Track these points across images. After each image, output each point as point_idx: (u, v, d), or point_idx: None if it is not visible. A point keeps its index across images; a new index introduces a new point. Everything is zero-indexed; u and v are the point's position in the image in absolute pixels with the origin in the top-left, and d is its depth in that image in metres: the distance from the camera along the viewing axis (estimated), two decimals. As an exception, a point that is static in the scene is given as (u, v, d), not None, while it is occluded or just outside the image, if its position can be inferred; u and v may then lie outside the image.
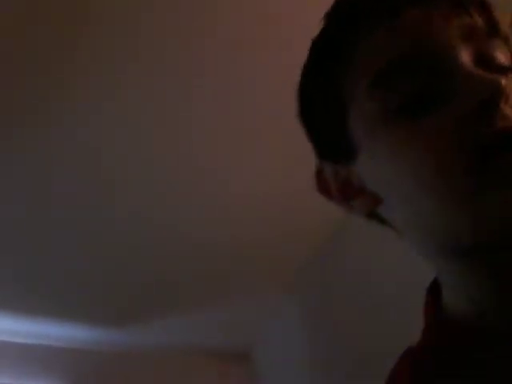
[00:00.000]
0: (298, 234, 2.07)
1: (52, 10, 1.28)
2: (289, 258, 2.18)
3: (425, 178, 0.35)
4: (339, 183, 0.44)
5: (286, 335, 2.51)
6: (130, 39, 1.40)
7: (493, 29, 0.37)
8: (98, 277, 2.15)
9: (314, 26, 0.43)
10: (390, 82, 0.36)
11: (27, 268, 2.03)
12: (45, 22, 1.31)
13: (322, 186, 0.45)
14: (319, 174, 0.45)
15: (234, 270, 2.25)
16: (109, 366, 2.52)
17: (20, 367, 2.28)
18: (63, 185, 1.76)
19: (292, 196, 1.78)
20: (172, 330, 2.59)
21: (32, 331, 2.34)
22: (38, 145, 1.61)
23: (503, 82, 0.33)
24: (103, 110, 1.56)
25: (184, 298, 2.40)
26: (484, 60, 0.36)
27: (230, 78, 1.52)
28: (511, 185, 0.32)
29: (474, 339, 0.37)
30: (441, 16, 0.37)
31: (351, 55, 0.39)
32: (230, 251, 2.14)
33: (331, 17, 0.42)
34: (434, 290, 0.44)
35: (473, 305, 0.38)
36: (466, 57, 0.35)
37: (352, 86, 0.39)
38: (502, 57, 0.37)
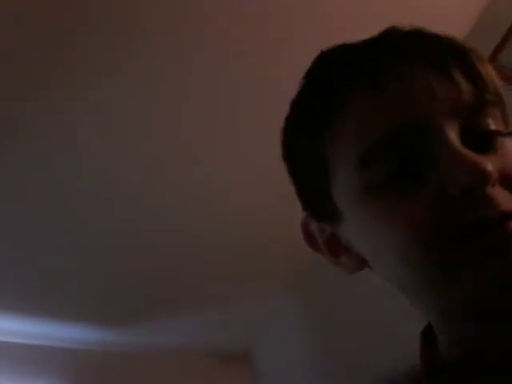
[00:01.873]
0: (300, 234, 2.06)
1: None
2: (290, 258, 2.18)
3: (402, 253, 0.35)
4: (325, 239, 0.43)
5: (286, 335, 2.51)
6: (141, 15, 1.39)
7: (480, 96, 0.36)
8: (98, 277, 2.15)
9: None
10: (373, 162, 0.35)
11: (27, 268, 2.03)
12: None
13: (309, 239, 0.45)
14: (305, 226, 0.45)
15: (235, 270, 2.25)
16: (109, 367, 2.52)
17: (19, 368, 2.27)
18: (61, 182, 1.76)
19: (294, 194, 1.75)
20: (172, 330, 2.59)
21: (32, 331, 2.33)
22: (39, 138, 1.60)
23: (489, 167, 0.31)
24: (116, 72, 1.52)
25: (184, 298, 2.40)
26: (471, 133, 0.35)
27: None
28: (485, 267, 0.32)
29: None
30: (425, 89, 0.35)
31: (332, 120, 0.38)
32: (231, 251, 2.14)
33: (313, 77, 0.41)
34: (428, 332, 0.43)
35: (464, 352, 0.37)
36: (452, 135, 0.34)
37: (333, 153, 0.39)
38: (490, 123, 0.36)
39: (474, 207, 0.32)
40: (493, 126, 0.36)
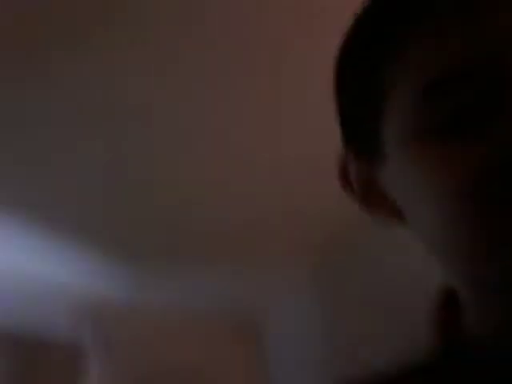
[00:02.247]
0: (316, 210, 2.07)
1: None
2: (305, 233, 2.19)
3: (442, 211, 0.32)
4: (361, 182, 0.40)
5: (297, 309, 2.55)
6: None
7: None
8: (123, 222, 2.21)
9: None
10: (438, 97, 0.31)
11: (46, 198, 2.06)
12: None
13: (343, 178, 0.41)
14: (342, 163, 0.41)
15: (251, 241, 2.28)
16: (116, 314, 2.58)
17: (26, 295, 2.32)
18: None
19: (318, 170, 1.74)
20: (186, 290, 2.64)
21: (42, 263, 2.39)
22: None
23: None
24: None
25: (201, 260, 2.45)
26: None
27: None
28: None
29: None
30: None
31: (400, 49, 0.33)
32: (249, 223, 2.17)
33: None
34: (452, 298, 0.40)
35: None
36: None
37: (392, 85, 0.35)
38: None
39: None
40: None
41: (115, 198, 2.07)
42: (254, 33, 1.48)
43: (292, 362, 2.60)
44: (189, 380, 2.57)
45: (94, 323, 2.45)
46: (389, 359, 0.42)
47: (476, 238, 0.30)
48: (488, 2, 0.31)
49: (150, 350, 2.55)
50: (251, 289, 2.68)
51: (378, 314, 1.87)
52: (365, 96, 0.37)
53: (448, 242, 0.33)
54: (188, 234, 2.26)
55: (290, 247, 2.37)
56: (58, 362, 2.18)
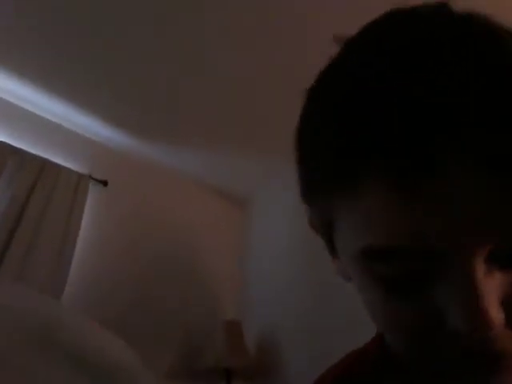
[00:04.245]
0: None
1: None
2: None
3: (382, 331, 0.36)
4: (324, 237, 0.40)
5: (285, 193, 2.67)
6: None
7: None
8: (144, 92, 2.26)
9: None
10: (376, 260, 0.31)
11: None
12: None
13: (313, 227, 0.42)
14: (310, 218, 0.42)
15: (256, 123, 2.41)
16: (127, 168, 2.72)
17: (45, 141, 2.43)
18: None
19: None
20: (190, 159, 2.78)
21: (62, 113, 2.47)
22: None
23: (496, 319, 0.28)
24: None
25: (208, 134, 2.55)
26: (501, 251, 0.28)
27: None
28: None
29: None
30: (467, 209, 0.27)
31: (351, 189, 0.31)
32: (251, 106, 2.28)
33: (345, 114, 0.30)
34: None
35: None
36: (478, 269, 0.28)
37: (341, 215, 0.33)
38: None
39: (465, 345, 0.29)
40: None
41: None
42: None
43: (274, 233, 2.80)
44: (181, 233, 2.78)
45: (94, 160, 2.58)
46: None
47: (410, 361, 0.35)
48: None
49: (147, 200, 2.72)
50: (247, 169, 2.83)
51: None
52: (316, 207, 0.37)
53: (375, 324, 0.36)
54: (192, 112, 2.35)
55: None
56: (62, 184, 2.30)
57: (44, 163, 2.29)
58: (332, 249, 0.38)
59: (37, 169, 2.24)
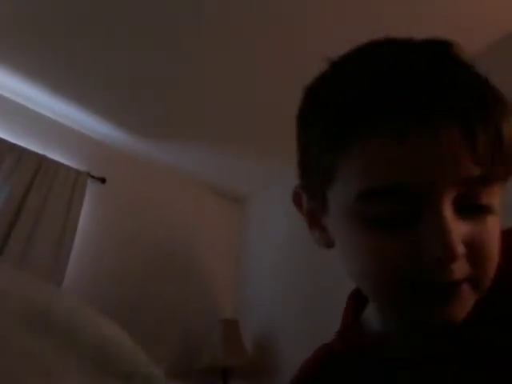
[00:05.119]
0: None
1: None
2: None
3: (364, 277, 0.40)
4: (308, 210, 0.48)
5: (283, 191, 2.66)
6: None
7: (489, 171, 0.36)
8: (148, 90, 2.26)
9: None
10: (370, 202, 0.37)
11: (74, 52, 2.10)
12: None
13: (296, 200, 0.50)
14: (296, 189, 0.49)
15: (254, 121, 2.42)
16: (125, 166, 2.72)
17: (43, 138, 2.43)
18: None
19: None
20: (188, 157, 2.78)
21: (61, 110, 2.47)
22: None
23: (459, 250, 0.35)
24: None
25: (206, 132, 2.56)
26: (466, 199, 0.37)
27: None
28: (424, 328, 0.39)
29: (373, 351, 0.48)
30: (440, 155, 0.35)
31: (347, 146, 0.38)
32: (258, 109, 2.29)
33: (341, 91, 0.39)
34: (358, 297, 0.53)
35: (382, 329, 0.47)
36: (446, 207, 0.36)
37: (340, 170, 0.40)
38: (483, 197, 0.37)
39: (436, 272, 0.36)
40: (484, 201, 0.37)
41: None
42: None
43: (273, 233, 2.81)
44: (179, 231, 2.79)
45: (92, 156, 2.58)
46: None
47: (386, 310, 0.43)
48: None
49: (145, 198, 2.72)
50: (245, 167, 2.83)
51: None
52: (317, 168, 0.42)
53: (365, 292, 0.43)
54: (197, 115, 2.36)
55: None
56: (59, 181, 2.30)
57: (42, 160, 2.29)
58: (322, 210, 0.44)
59: (35, 166, 2.24)
